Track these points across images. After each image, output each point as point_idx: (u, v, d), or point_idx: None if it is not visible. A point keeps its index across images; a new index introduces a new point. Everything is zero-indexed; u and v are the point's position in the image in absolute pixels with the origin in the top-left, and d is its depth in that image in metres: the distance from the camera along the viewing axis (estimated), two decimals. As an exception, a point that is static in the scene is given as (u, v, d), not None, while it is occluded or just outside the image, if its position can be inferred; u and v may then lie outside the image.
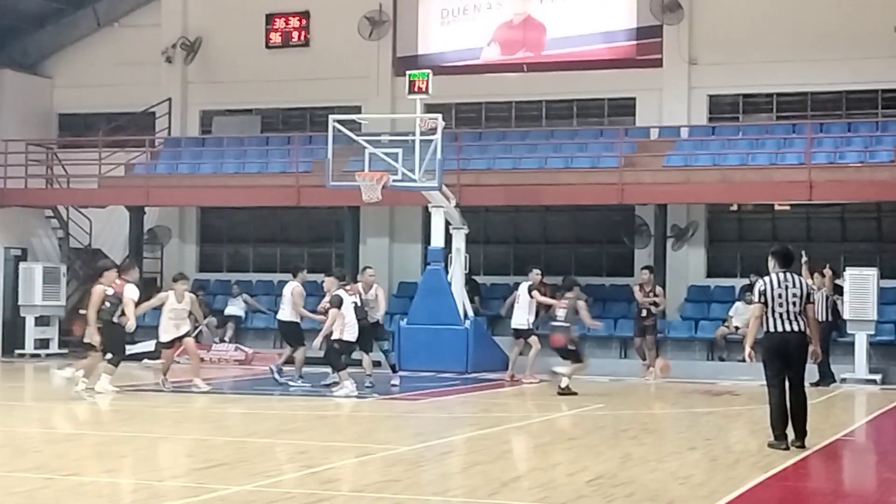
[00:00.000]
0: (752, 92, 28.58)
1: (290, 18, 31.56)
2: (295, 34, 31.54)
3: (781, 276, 13.30)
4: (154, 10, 32.54)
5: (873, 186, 25.33)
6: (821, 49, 27.55)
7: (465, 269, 25.78)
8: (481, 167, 28.05)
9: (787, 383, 13.31)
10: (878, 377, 23.62)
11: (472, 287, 26.95)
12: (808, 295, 13.36)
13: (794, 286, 13.23)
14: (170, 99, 32.11)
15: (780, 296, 13.18)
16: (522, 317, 22.69)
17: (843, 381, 23.43)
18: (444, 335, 24.42)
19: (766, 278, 13.36)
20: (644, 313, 23.77)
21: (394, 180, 24.41)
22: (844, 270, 24.54)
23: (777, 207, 28.03)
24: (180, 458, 12.40)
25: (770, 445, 13.15)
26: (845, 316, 24.05)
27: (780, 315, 13.17)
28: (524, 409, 18.71)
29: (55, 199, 31.22)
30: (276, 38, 31.66)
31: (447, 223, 25.63)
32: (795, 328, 13.20)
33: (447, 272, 25.37)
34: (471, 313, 25.53)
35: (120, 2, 33.02)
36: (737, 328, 25.22)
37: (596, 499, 10.20)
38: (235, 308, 28.85)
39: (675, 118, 28.51)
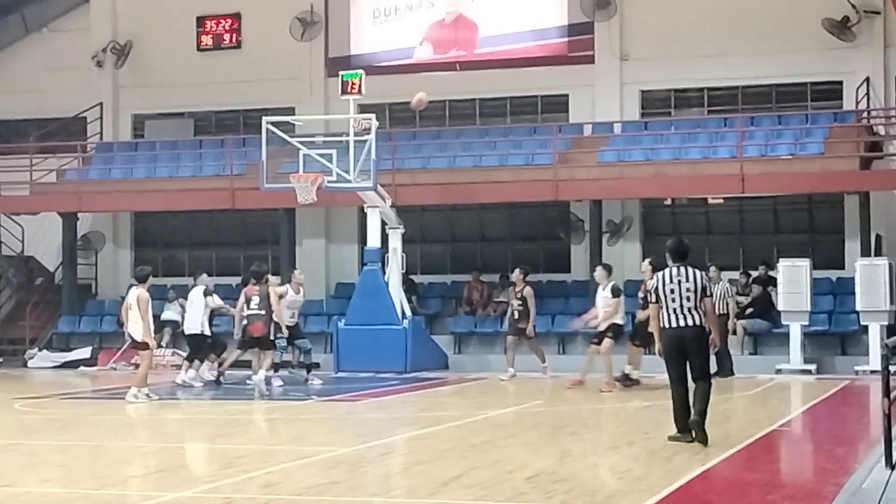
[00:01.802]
0: (684, 87, 28.80)
1: (222, 21, 31.42)
2: (226, 36, 31.40)
3: (675, 270, 13.03)
4: (83, 15, 32.26)
5: (804, 178, 25.61)
6: (750, 43, 27.81)
7: (402, 268, 25.77)
8: (416, 166, 28.06)
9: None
10: (812, 367, 23.89)
11: (409, 286, 26.96)
12: (704, 289, 12.98)
13: (687, 280, 12.93)
14: (101, 103, 31.84)
15: (672, 291, 12.90)
16: None
17: (779, 371, 23.69)
18: (383, 335, 24.39)
19: (659, 274, 13.14)
20: (516, 315, 22.88)
21: (329, 181, 24.36)
22: (778, 262, 24.80)
23: (710, 201, 28.27)
24: (117, 465, 12.29)
25: (672, 438, 12.96)
26: (779, 307, 24.32)
27: (675, 310, 12.89)
28: (464, 408, 18.71)
29: (-14, 207, 30.86)
30: (207, 40, 31.50)
31: (383, 223, 25.61)
32: (690, 322, 12.88)
33: (384, 272, 25.36)
34: (409, 313, 25.52)
35: (48, 6, 32.69)
36: (673, 322, 25.33)
37: (535, 495, 10.23)
38: (172, 313, 28.58)
39: (607, 114, 28.66)
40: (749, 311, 25.40)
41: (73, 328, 29.46)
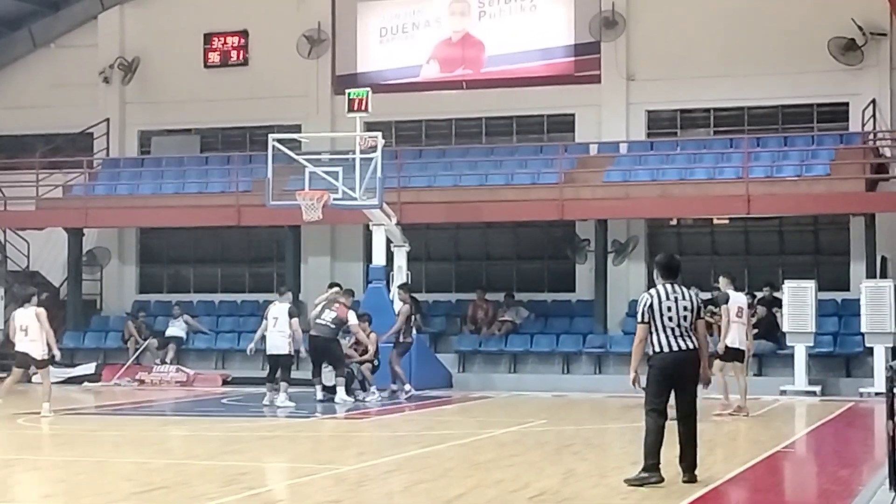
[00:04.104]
0: (690, 107, 28.83)
1: (229, 37, 31.48)
2: (234, 53, 31.46)
3: (668, 287, 11.70)
4: (91, 31, 32.32)
5: (810, 200, 25.61)
6: (757, 64, 27.83)
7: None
8: (422, 184, 28.07)
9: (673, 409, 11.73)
10: (817, 388, 23.84)
11: (412, 304, 26.88)
12: (699, 309, 11.75)
13: (683, 298, 11.64)
14: (108, 119, 31.91)
15: (669, 309, 11.57)
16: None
17: (783, 392, 23.65)
18: (387, 353, 24.31)
19: (652, 291, 11.76)
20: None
21: (334, 199, 24.36)
22: (783, 283, 24.78)
23: (716, 221, 28.25)
24: (120, 482, 12.26)
25: (633, 482, 11.41)
26: (784, 328, 24.29)
27: (671, 331, 11.56)
28: (467, 426, 18.67)
29: (-8, 222, 30.90)
30: (214, 57, 31.55)
31: (388, 241, 25.62)
32: (690, 345, 11.57)
33: (389, 290, 25.34)
34: (413, 331, 25.46)
35: (56, 22, 32.76)
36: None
37: (538, 515, 10.20)
38: (176, 329, 28.66)
39: (613, 134, 28.68)
40: (754, 332, 25.34)
41: (77, 343, 29.44)
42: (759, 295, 25.96)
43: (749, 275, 27.55)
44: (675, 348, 11.56)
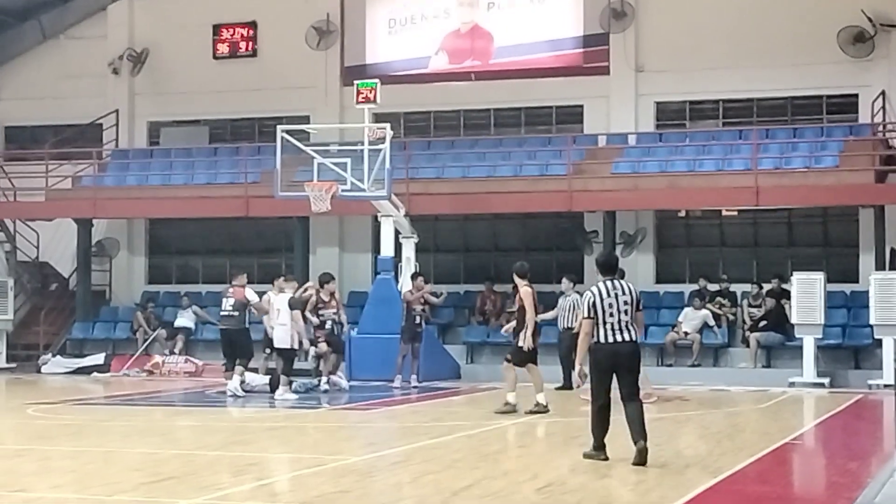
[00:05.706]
0: (699, 98, 28.78)
1: (238, 29, 31.50)
2: (242, 44, 31.48)
3: (609, 283, 12.60)
4: (100, 22, 32.36)
5: (819, 191, 25.58)
6: (766, 56, 27.79)
7: (416, 278, 25.76)
8: (430, 176, 28.07)
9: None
10: (826, 380, 23.82)
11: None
12: (638, 302, 12.72)
13: (623, 293, 12.56)
14: (117, 110, 31.95)
15: (610, 305, 12.47)
16: None
17: (792, 384, 23.64)
18: (395, 344, 24.34)
19: (594, 288, 12.60)
20: (417, 319, 23.69)
21: (343, 190, 24.40)
22: (791, 275, 24.75)
23: (724, 213, 28.23)
24: (129, 472, 12.30)
25: (587, 456, 12.63)
26: (793, 320, 24.27)
27: (612, 325, 12.47)
28: (475, 418, 18.69)
29: (1, 213, 30.98)
30: (223, 48, 31.58)
31: (397, 232, 25.64)
32: (627, 338, 12.50)
33: (397, 281, 25.37)
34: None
35: (65, 14, 32.80)
36: (686, 333, 25.41)
37: (546, 506, 10.21)
38: (185, 320, 28.70)
39: (622, 125, 28.65)
40: (762, 323, 25.38)
41: (86, 334, 29.53)
42: (768, 287, 25.96)
43: (758, 266, 27.55)
44: (613, 340, 12.49)
